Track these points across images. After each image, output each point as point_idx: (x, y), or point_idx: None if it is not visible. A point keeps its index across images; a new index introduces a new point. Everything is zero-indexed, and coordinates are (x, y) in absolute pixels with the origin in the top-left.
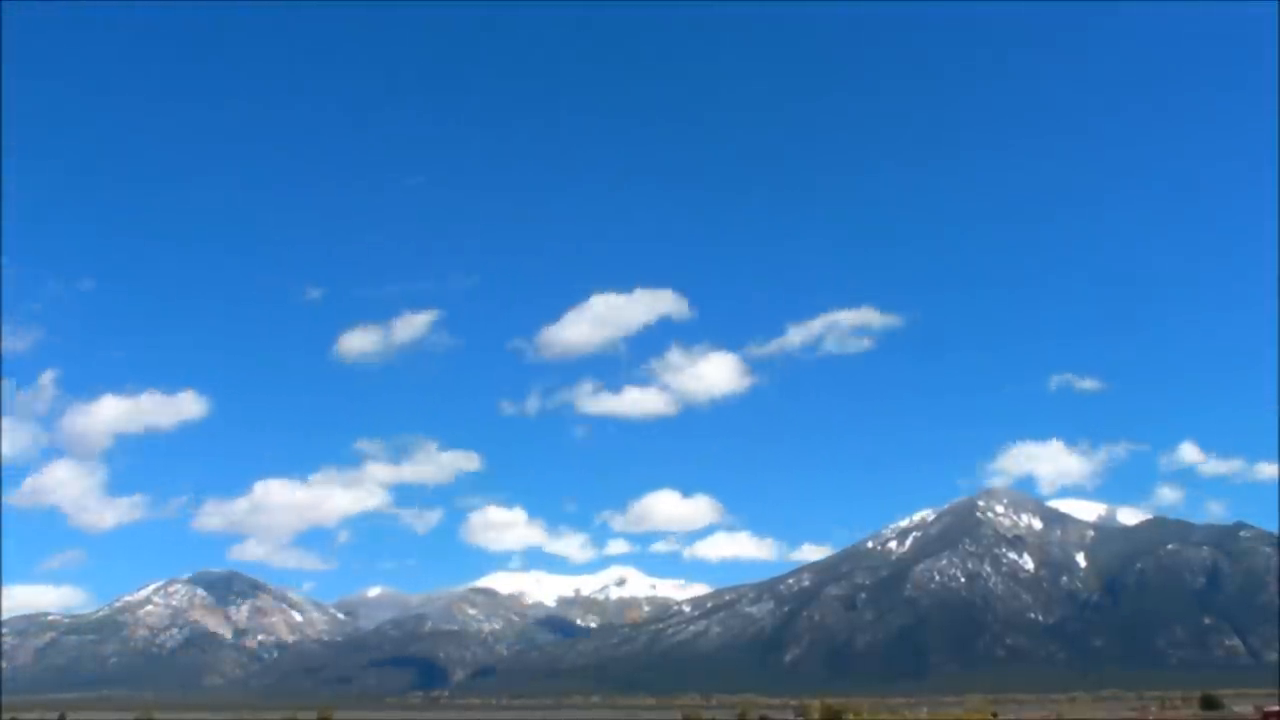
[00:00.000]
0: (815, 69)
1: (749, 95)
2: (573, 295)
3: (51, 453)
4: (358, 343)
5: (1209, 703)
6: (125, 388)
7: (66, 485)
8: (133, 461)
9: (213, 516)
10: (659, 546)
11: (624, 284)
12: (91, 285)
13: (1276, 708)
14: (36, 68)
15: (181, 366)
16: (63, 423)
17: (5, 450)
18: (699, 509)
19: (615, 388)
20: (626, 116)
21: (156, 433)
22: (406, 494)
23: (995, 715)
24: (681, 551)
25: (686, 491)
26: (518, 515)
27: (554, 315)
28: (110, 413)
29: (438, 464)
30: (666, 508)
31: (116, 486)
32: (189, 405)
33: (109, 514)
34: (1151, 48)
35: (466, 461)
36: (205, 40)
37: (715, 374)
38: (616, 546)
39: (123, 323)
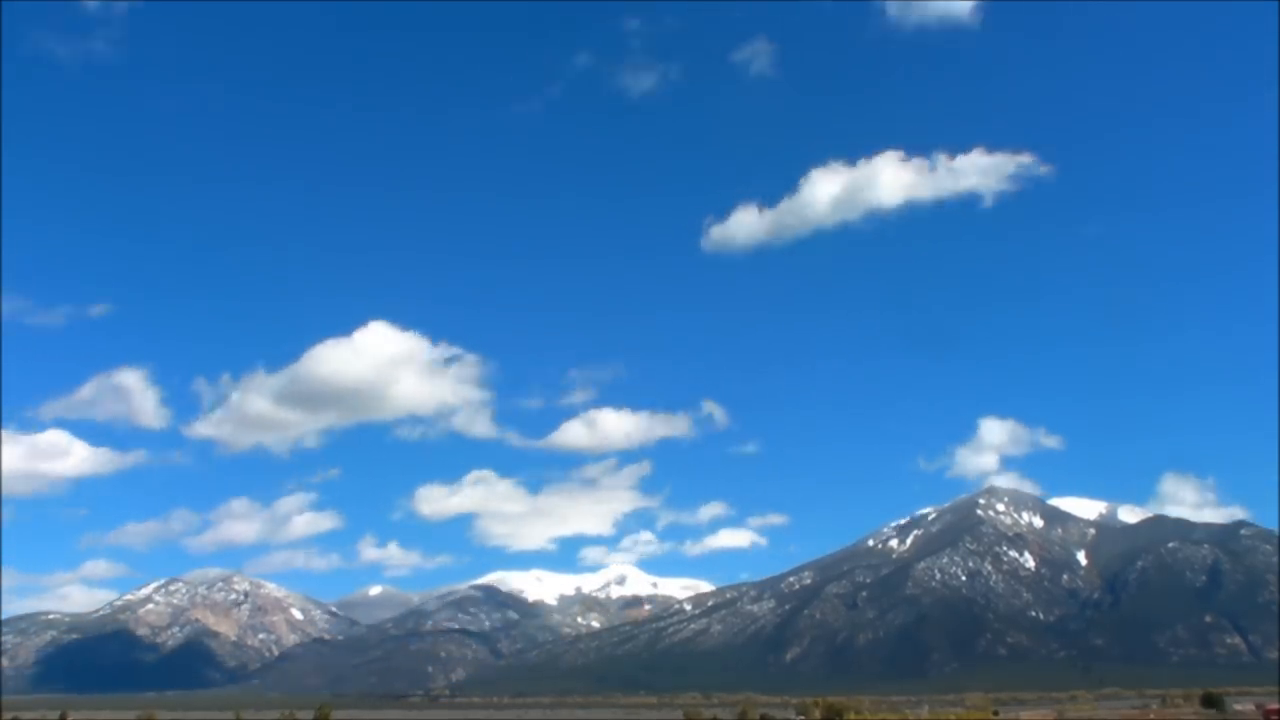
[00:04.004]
0: None
1: None
2: None
3: None
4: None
5: (1210, 701)
6: None
7: None
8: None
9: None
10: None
11: None
12: (103, 310)
13: (1277, 706)
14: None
15: None
16: None
17: None
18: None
19: None
20: None
21: None
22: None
23: (996, 713)
24: (683, 550)
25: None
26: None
27: None
28: None
29: None
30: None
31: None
32: None
33: None
34: (1150, 47)
35: None
36: None
37: None
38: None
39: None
